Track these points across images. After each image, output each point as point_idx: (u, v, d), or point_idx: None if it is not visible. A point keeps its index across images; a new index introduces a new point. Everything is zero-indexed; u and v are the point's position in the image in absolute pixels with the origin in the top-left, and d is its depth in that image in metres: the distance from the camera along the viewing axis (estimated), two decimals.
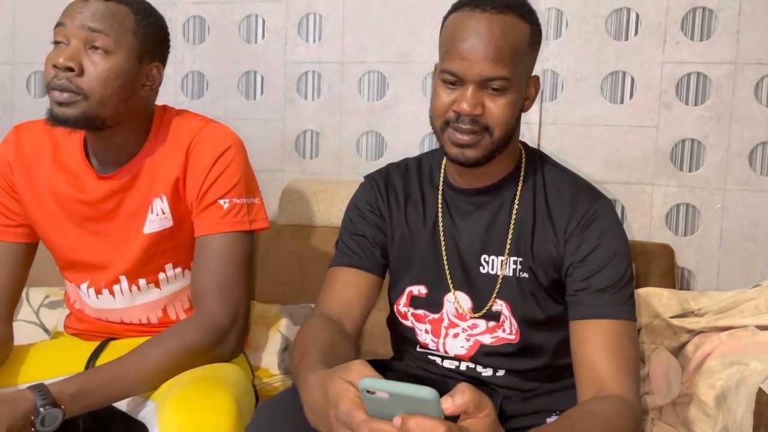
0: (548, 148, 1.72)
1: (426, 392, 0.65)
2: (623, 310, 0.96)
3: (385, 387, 0.66)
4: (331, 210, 1.69)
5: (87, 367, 1.15)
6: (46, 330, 1.58)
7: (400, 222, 1.09)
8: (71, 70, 1.03)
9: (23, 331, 1.57)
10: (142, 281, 1.19)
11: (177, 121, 1.18)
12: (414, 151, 1.72)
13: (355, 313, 1.05)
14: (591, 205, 1.01)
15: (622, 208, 1.70)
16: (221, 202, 1.14)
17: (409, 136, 1.82)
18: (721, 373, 1.12)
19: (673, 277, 1.56)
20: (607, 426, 0.85)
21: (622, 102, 1.69)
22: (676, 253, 1.63)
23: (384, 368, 1.12)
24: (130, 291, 1.20)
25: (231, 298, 1.12)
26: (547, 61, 1.72)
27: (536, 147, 1.71)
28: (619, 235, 1.01)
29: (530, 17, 0.98)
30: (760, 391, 0.99)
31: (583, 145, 1.71)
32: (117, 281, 1.19)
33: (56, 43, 1.07)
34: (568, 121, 1.72)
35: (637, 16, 1.66)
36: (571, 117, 1.72)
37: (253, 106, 1.92)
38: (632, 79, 1.67)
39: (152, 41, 1.11)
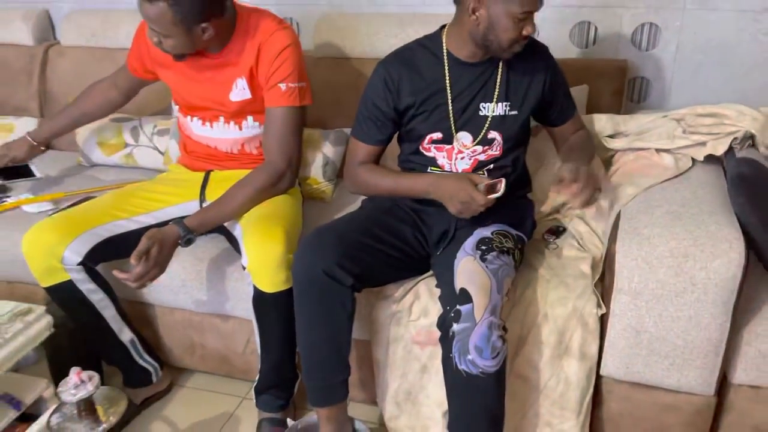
0: None
1: None
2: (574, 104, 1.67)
3: None
4: (354, 44, 2.11)
5: (201, 193, 1.78)
6: (159, 151, 2.19)
7: (415, 91, 1.54)
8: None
9: (144, 153, 2.20)
10: (232, 122, 1.75)
11: (253, 22, 1.64)
12: None
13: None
14: (545, 49, 1.59)
15: (596, 29, 2.01)
16: (281, 85, 1.64)
17: None
18: (617, 189, 1.61)
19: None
20: (587, 136, 1.67)
21: None
22: (639, 66, 1.99)
23: None
24: (223, 127, 1.76)
25: (287, 150, 1.67)
26: None
27: None
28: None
29: None
30: (619, 214, 1.49)
31: None
32: (217, 119, 1.76)
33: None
34: None
35: None
36: None
37: None
38: None
39: (191, 17, 1.50)
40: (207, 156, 1.83)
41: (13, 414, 1.42)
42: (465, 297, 1.34)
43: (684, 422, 1.48)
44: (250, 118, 1.74)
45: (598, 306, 1.48)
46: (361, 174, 1.64)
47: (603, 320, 1.48)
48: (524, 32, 1.43)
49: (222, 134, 1.77)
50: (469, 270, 1.40)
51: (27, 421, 1.45)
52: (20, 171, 2.05)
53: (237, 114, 1.73)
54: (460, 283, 1.37)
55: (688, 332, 1.37)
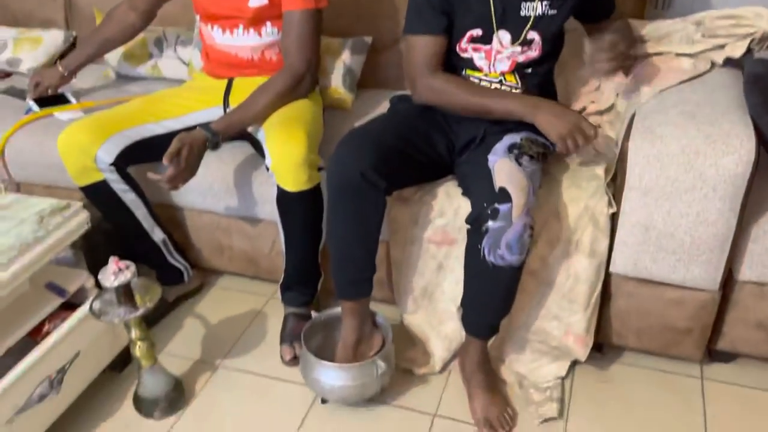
0: None
1: None
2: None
3: None
4: None
5: (225, 100, 1.84)
6: (183, 62, 2.23)
7: None
8: None
9: (169, 64, 2.25)
10: (251, 29, 1.79)
11: None
12: None
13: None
14: None
15: None
16: None
17: None
18: (634, 93, 1.62)
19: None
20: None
21: None
22: None
23: None
24: (243, 34, 1.80)
25: (305, 53, 1.71)
26: None
27: None
28: None
29: None
30: (634, 115, 1.51)
31: None
32: (237, 26, 1.80)
33: None
34: None
35: None
36: None
37: None
38: None
39: None
40: (229, 64, 1.88)
41: (58, 300, 1.53)
42: (504, 196, 1.38)
43: (688, 316, 1.55)
44: (268, 24, 1.78)
45: (609, 205, 1.53)
46: (441, 84, 1.56)
47: (613, 220, 1.53)
48: None
49: (242, 41, 1.81)
50: (507, 171, 1.43)
51: (70, 309, 1.56)
52: (57, 99, 2.11)
53: (255, 21, 1.76)
54: (499, 182, 1.41)
55: (696, 228, 1.42)
